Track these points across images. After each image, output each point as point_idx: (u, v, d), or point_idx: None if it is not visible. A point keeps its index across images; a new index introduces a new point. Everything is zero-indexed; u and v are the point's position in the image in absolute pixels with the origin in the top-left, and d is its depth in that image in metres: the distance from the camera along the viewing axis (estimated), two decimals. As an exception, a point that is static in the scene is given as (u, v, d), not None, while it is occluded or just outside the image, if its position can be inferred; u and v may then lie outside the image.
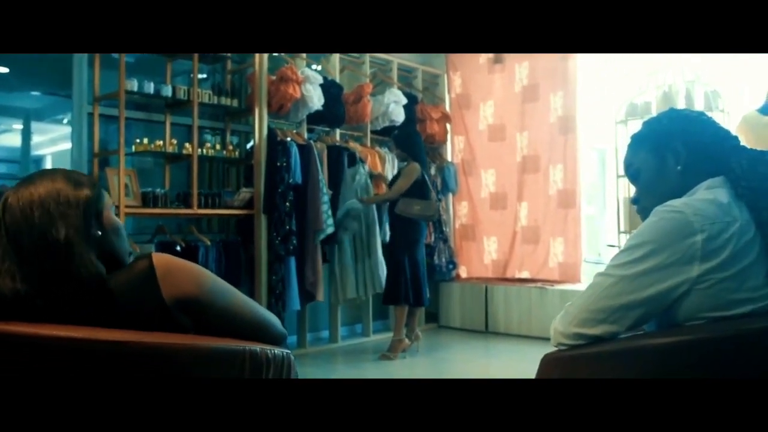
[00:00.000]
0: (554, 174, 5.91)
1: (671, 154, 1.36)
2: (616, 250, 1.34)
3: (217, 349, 1.13)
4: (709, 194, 1.22)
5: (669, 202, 1.22)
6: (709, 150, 1.32)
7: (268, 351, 1.19)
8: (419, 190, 4.94)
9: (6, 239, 1.11)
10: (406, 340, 5.04)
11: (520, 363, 4.68)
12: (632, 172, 1.45)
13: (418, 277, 5.03)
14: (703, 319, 1.16)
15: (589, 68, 5.88)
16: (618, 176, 5.39)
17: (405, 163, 5.13)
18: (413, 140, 5.15)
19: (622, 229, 5.23)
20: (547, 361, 1.26)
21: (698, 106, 5.00)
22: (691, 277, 1.15)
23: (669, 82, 5.18)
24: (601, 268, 1.29)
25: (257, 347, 1.17)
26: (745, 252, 1.15)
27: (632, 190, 4.92)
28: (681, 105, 5.09)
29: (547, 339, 1.31)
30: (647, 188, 1.41)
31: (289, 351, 1.26)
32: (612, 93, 5.77)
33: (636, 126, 5.34)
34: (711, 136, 1.35)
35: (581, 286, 5.49)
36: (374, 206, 5.29)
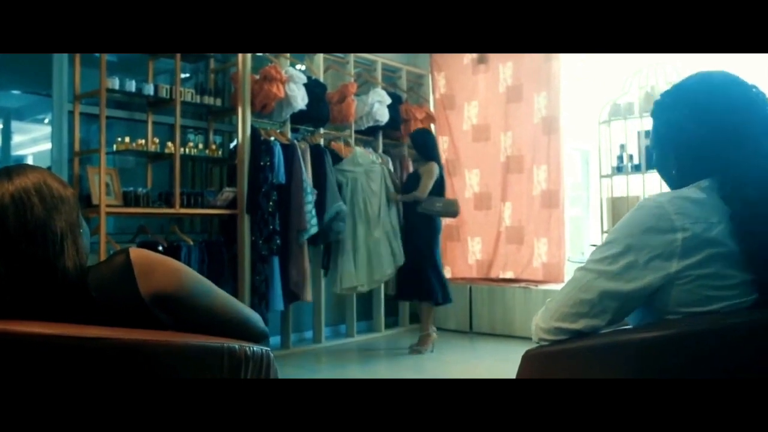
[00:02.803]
0: (538, 174, 5.93)
1: (672, 152, 1.32)
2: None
3: (194, 345, 1.12)
4: (700, 192, 1.20)
5: (654, 196, 1.21)
6: (706, 149, 1.26)
7: (247, 348, 1.18)
8: (438, 188, 5.11)
9: None
10: (434, 335, 5.13)
11: (504, 363, 4.68)
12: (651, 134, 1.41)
13: (440, 274, 5.17)
14: (681, 314, 1.16)
15: (573, 69, 5.90)
16: (601, 176, 5.43)
17: (417, 164, 5.24)
18: (428, 140, 5.29)
19: (605, 228, 5.26)
20: (528, 357, 1.26)
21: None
22: (669, 273, 1.15)
23: (651, 82, 5.22)
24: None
25: (236, 344, 1.16)
26: (726, 252, 1.14)
27: (614, 190, 4.92)
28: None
29: (531, 338, 1.31)
30: (656, 160, 1.39)
31: (268, 348, 1.25)
32: (595, 93, 5.80)
33: (618, 126, 5.37)
34: (712, 133, 1.25)
35: (565, 285, 5.50)
36: (382, 190, 5.43)
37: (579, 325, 1.21)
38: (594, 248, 1.26)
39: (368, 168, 5.45)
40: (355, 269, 5.35)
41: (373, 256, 5.36)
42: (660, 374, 1.12)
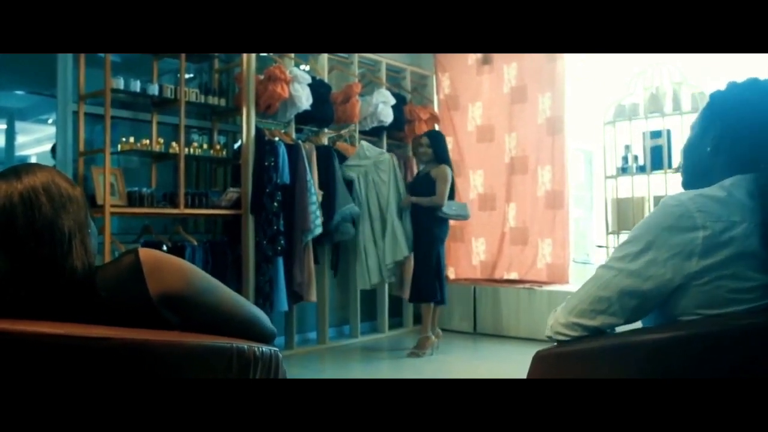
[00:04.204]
0: (542, 175, 5.92)
1: (711, 131, 1.31)
2: (604, 251, 1.31)
3: (203, 346, 1.11)
4: (722, 191, 1.18)
5: (676, 194, 1.21)
6: (746, 144, 1.25)
7: (256, 348, 1.17)
8: (450, 190, 5.09)
9: None
10: (433, 337, 5.11)
11: (508, 364, 4.68)
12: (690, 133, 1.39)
13: (441, 275, 5.14)
14: (699, 315, 1.15)
15: (577, 69, 5.89)
16: (606, 177, 5.41)
17: (426, 166, 5.20)
18: (442, 142, 5.25)
19: (610, 229, 5.25)
20: (539, 358, 1.25)
21: (685, 107, 5.03)
22: (689, 272, 1.14)
23: (656, 83, 5.21)
24: (590, 269, 1.28)
25: (244, 345, 1.15)
26: (746, 253, 1.12)
27: (619, 191, 4.91)
28: (668, 106, 5.12)
29: (536, 340, 1.31)
30: (685, 152, 1.38)
31: (277, 349, 1.24)
32: (600, 94, 5.79)
33: (623, 127, 5.37)
34: (755, 127, 1.25)
35: (569, 287, 5.50)
36: (391, 180, 5.42)
37: (596, 322, 1.22)
38: (600, 249, 1.26)
39: (377, 159, 5.45)
40: (378, 262, 5.40)
41: (387, 243, 5.38)
42: (671, 375, 1.11)
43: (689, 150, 1.36)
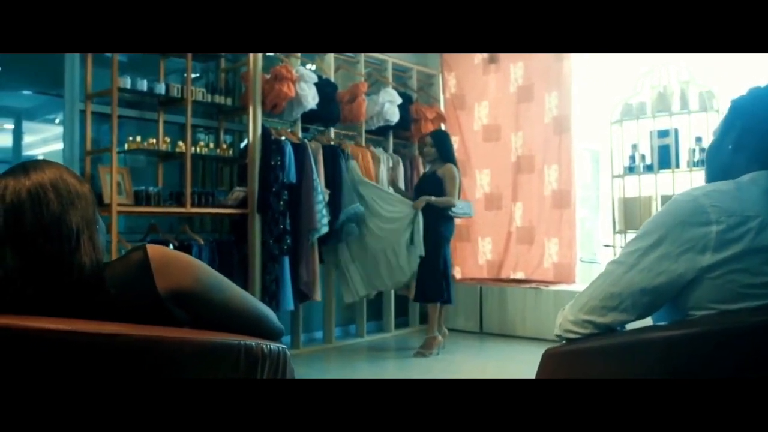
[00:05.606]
0: (549, 174, 5.90)
1: (732, 131, 1.31)
2: (611, 251, 1.30)
3: (211, 343, 1.11)
4: (736, 186, 1.18)
5: (688, 190, 1.20)
6: (766, 140, 1.25)
7: (264, 346, 1.17)
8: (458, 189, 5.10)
9: (3, 222, 1.07)
10: (439, 337, 5.10)
11: (514, 363, 4.67)
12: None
13: (447, 274, 5.13)
14: (711, 310, 1.14)
15: (584, 68, 5.87)
16: (613, 176, 5.40)
17: (431, 166, 5.19)
18: (447, 141, 5.24)
19: (617, 229, 5.23)
20: (549, 356, 1.24)
21: (693, 106, 5.01)
22: (702, 266, 1.13)
23: (664, 82, 5.19)
24: (596, 268, 1.27)
25: (252, 342, 1.15)
26: (759, 248, 1.12)
27: (626, 190, 4.91)
28: (676, 105, 5.10)
29: (542, 339, 1.30)
30: (707, 155, 1.38)
31: (285, 346, 1.24)
32: (607, 93, 5.77)
33: (630, 126, 5.36)
34: None
35: (576, 286, 5.48)
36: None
37: (607, 319, 1.20)
38: (606, 249, 1.25)
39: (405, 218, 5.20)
40: (360, 276, 5.34)
41: (390, 259, 5.25)
42: (683, 373, 1.10)
43: (712, 152, 1.36)
